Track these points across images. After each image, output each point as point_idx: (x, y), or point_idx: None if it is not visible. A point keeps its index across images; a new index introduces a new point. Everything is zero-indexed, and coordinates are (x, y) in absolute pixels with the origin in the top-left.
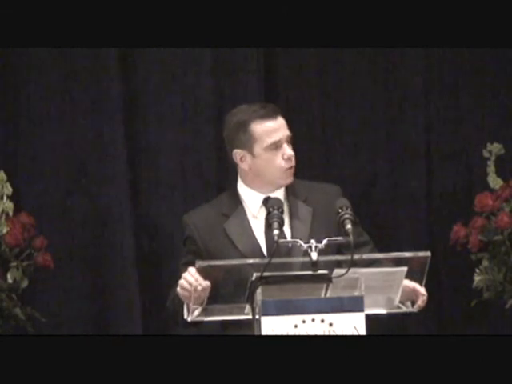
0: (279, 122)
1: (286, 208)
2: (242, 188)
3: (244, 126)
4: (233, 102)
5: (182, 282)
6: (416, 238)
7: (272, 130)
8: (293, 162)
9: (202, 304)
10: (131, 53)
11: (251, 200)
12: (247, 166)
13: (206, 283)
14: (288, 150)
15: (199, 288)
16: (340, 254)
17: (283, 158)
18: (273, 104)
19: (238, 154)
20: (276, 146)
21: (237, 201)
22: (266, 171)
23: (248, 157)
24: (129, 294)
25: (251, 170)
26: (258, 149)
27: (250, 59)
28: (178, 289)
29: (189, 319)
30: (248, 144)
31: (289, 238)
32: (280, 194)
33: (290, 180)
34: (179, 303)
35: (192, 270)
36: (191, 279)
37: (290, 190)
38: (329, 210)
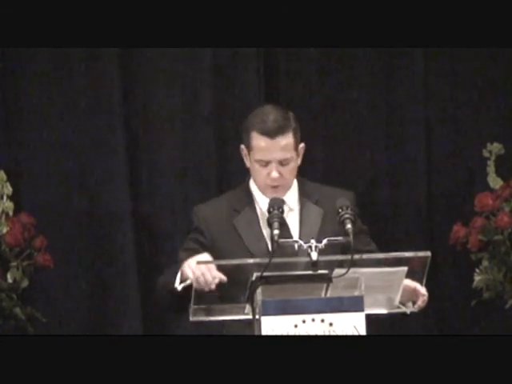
0: (276, 143)
1: (296, 208)
2: (253, 185)
3: (247, 131)
4: (233, 102)
5: (198, 275)
6: (416, 238)
7: (263, 148)
8: (277, 182)
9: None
10: (131, 53)
11: (262, 198)
12: (248, 164)
13: (223, 279)
14: (274, 173)
15: (216, 281)
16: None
17: (268, 177)
18: (286, 122)
19: (243, 150)
20: (264, 163)
21: (249, 197)
22: (255, 179)
23: (248, 155)
24: (129, 293)
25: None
26: (251, 156)
27: (250, 59)
28: (194, 283)
29: (179, 287)
30: (247, 146)
31: (296, 238)
32: (292, 193)
33: (276, 195)
34: (172, 290)
35: (213, 267)
36: (209, 278)
37: (302, 191)
38: None
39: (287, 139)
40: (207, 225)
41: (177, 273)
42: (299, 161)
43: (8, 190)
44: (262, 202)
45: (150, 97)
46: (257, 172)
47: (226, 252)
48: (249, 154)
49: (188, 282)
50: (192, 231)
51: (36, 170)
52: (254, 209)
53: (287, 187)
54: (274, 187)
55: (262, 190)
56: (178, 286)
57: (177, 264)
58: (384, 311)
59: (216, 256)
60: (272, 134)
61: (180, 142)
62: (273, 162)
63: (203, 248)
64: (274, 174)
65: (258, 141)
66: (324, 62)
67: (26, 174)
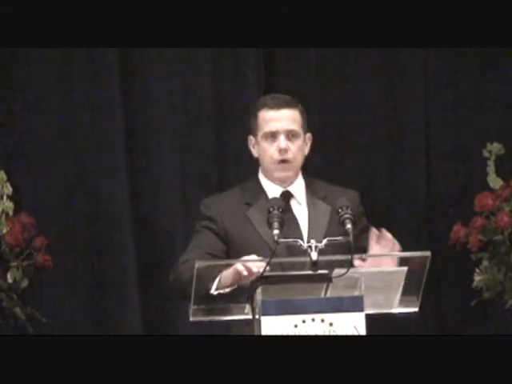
0: (282, 114)
1: (304, 204)
2: (262, 178)
3: (255, 113)
4: (233, 102)
5: (241, 269)
6: (416, 238)
7: (270, 119)
8: (287, 156)
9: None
10: (131, 53)
11: (272, 191)
12: (256, 153)
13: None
14: (282, 143)
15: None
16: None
17: (276, 150)
18: (293, 101)
19: (250, 140)
20: (271, 135)
21: (259, 190)
22: (263, 160)
23: (256, 144)
24: (129, 293)
25: (259, 158)
26: (259, 136)
27: (250, 59)
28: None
29: (215, 293)
30: (254, 131)
31: (305, 235)
32: (300, 189)
33: (285, 174)
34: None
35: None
36: (256, 270)
37: (309, 188)
38: None
39: (294, 114)
40: (220, 215)
41: (214, 277)
42: (307, 150)
43: (8, 190)
44: (273, 194)
45: (150, 97)
46: (265, 151)
47: (241, 241)
48: (256, 136)
49: (227, 290)
50: (202, 221)
51: (36, 170)
52: (266, 201)
53: (295, 168)
54: (283, 162)
55: (272, 171)
56: (214, 292)
57: (198, 249)
58: (384, 311)
59: (230, 245)
60: (278, 105)
61: (180, 142)
62: (280, 134)
63: (216, 235)
64: (282, 144)
65: (265, 115)
66: (324, 62)
67: (26, 174)
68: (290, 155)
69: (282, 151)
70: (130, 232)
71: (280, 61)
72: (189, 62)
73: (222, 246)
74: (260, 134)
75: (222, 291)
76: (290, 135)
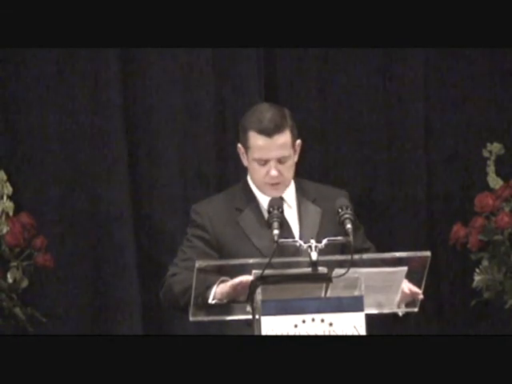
0: (274, 142)
1: (295, 207)
2: (252, 183)
3: (245, 130)
4: (233, 102)
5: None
6: (416, 238)
7: (262, 147)
8: (276, 180)
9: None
10: (131, 53)
11: (262, 195)
12: (245, 162)
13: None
14: (273, 171)
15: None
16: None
17: (267, 175)
18: (283, 120)
19: (240, 148)
20: (262, 162)
21: (249, 195)
22: (253, 178)
23: (245, 153)
24: (129, 293)
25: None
26: (249, 155)
27: (250, 59)
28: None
29: (213, 302)
30: (243, 143)
31: (297, 238)
32: (290, 192)
33: (275, 194)
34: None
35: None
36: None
37: (299, 190)
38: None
39: (285, 137)
40: (211, 222)
41: (209, 287)
42: (296, 158)
43: (8, 189)
44: (263, 199)
45: (150, 97)
46: (255, 171)
47: (233, 249)
48: (246, 152)
49: (224, 301)
50: (194, 228)
51: (36, 170)
52: (257, 206)
53: (286, 184)
54: (274, 185)
55: (261, 189)
56: (212, 301)
57: (187, 261)
58: (383, 311)
59: (222, 253)
60: (270, 132)
61: (180, 142)
62: (271, 161)
63: (207, 245)
64: (273, 173)
65: (256, 140)
66: (324, 62)
67: (25, 174)
68: (280, 178)
69: (273, 178)
70: (130, 232)
71: (280, 61)
72: (189, 62)
73: (213, 255)
74: (250, 155)
75: (219, 302)
76: (282, 160)
